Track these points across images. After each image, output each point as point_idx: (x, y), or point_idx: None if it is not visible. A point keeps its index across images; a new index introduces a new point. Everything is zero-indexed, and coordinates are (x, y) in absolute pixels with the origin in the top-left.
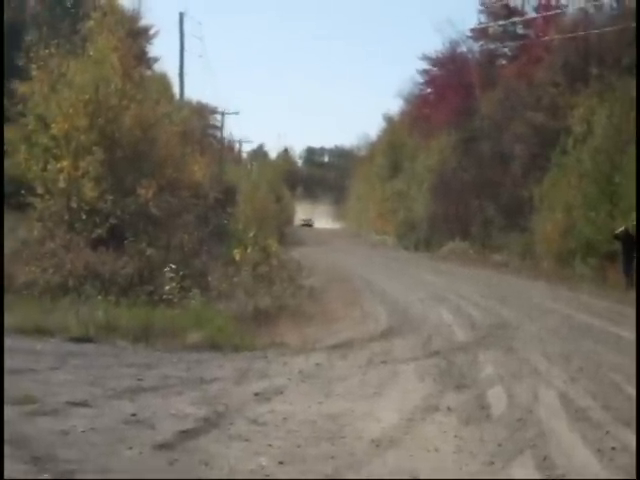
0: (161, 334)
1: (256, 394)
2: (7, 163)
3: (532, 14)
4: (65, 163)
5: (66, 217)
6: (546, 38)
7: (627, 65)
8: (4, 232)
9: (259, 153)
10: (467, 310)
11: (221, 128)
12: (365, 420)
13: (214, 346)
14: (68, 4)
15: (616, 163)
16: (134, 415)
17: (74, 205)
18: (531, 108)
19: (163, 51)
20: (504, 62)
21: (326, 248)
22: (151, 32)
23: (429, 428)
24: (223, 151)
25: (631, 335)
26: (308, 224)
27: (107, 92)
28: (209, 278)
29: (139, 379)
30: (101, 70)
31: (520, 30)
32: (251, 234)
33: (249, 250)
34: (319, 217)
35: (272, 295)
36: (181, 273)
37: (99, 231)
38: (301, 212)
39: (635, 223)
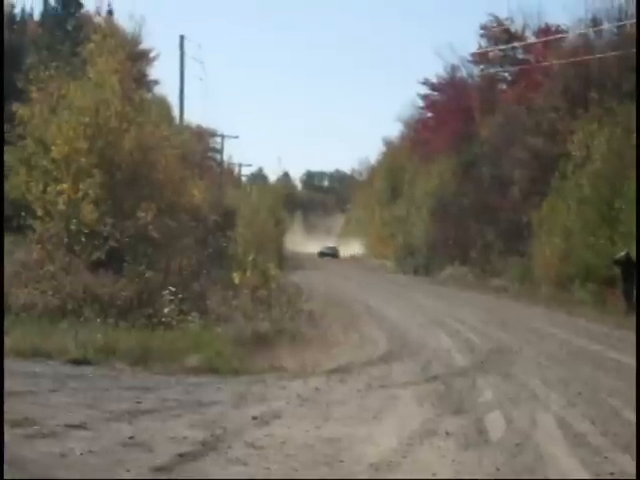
0: (160, 357)
1: (254, 418)
2: (7, 185)
3: (532, 39)
4: (65, 186)
5: (65, 240)
6: (546, 63)
7: (627, 90)
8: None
9: (259, 177)
10: (466, 335)
11: (221, 151)
12: (363, 444)
13: (212, 369)
14: (68, 27)
15: (616, 188)
16: (132, 438)
17: (73, 228)
18: (531, 133)
19: (163, 74)
20: (504, 87)
21: (325, 272)
22: (151, 55)
23: (427, 453)
24: (223, 174)
25: (630, 360)
26: (331, 254)
27: (107, 115)
28: (208, 301)
29: (137, 402)
30: (101, 93)
31: (520, 55)
32: (250, 258)
33: (248, 274)
34: (318, 242)
35: (271, 319)
36: (180, 296)
37: (98, 254)
38: (299, 236)
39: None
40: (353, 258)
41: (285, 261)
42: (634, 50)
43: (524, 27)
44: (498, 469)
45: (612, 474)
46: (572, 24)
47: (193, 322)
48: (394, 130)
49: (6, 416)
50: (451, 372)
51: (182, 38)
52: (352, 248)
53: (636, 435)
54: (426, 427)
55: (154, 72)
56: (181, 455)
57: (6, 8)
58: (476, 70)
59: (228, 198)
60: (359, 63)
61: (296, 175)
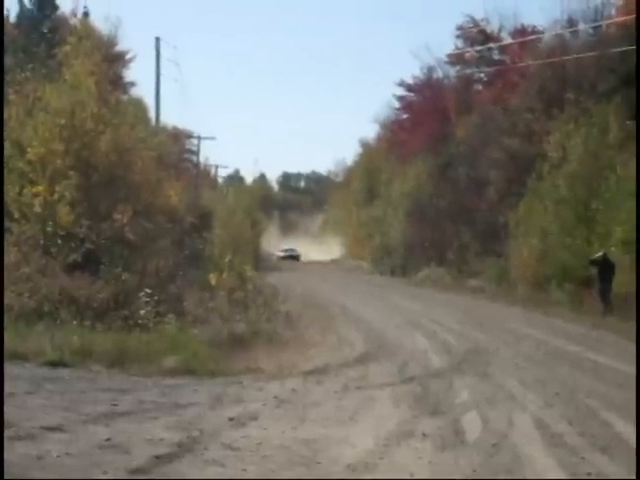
0: (136, 359)
1: (231, 419)
2: None
3: (508, 40)
4: (41, 188)
5: (42, 242)
6: (522, 64)
7: (603, 91)
8: None
9: (235, 178)
10: (442, 336)
11: (197, 153)
12: (340, 445)
13: (189, 371)
14: (44, 29)
15: (592, 189)
16: (109, 440)
17: (50, 230)
18: (507, 134)
19: (139, 76)
20: (480, 87)
21: (302, 274)
22: (127, 57)
23: (404, 454)
24: (199, 176)
25: (607, 360)
26: (292, 256)
27: (83, 117)
28: (184, 303)
29: (114, 404)
30: (77, 95)
31: (496, 56)
32: (227, 259)
33: (225, 275)
34: (294, 244)
35: (247, 320)
36: (156, 298)
37: (75, 256)
38: (276, 238)
39: (613, 249)
40: (333, 261)
41: (262, 262)
42: (610, 51)
43: (500, 28)
44: (475, 470)
45: (589, 474)
46: (548, 25)
47: (170, 324)
48: (370, 131)
49: None
50: (428, 373)
51: (158, 40)
52: (330, 250)
53: (636, 434)
54: (403, 428)
55: (130, 74)
56: (157, 457)
57: None
58: (452, 71)
59: (204, 200)
60: (335, 64)
61: (273, 176)
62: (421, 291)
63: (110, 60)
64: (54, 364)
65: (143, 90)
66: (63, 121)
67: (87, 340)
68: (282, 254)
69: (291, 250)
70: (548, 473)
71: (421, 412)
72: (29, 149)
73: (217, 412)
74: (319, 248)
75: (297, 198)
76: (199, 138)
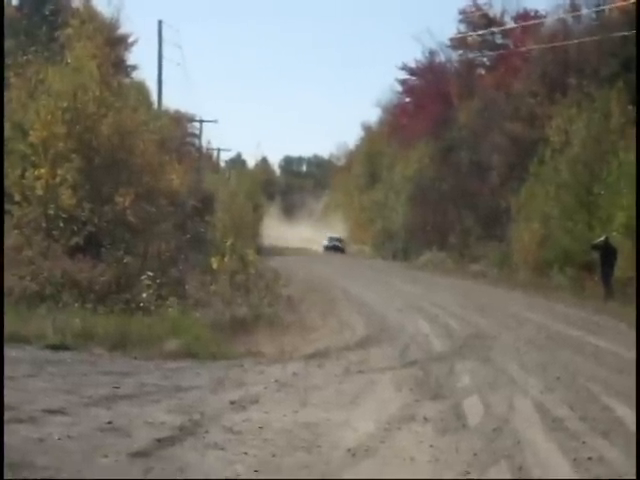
0: (138, 342)
1: (232, 402)
2: None
3: (511, 24)
4: (43, 171)
5: (43, 225)
6: (524, 48)
7: (605, 75)
8: None
9: (237, 162)
10: (444, 320)
11: (199, 136)
12: (341, 429)
13: (191, 354)
14: (46, 11)
15: (594, 173)
16: (110, 423)
17: (52, 213)
18: (509, 118)
19: (142, 59)
20: (482, 72)
21: (303, 258)
22: (130, 40)
23: (405, 438)
24: (201, 159)
25: (608, 345)
26: (335, 247)
27: (85, 100)
28: (186, 286)
29: (115, 387)
30: (79, 78)
31: (499, 40)
32: (229, 243)
33: (227, 259)
34: (296, 228)
35: (249, 304)
36: (158, 281)
37: (76, 239)
38: (277, 222)
39: (614, 233)
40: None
41: (264, 246)
42: (612, 35)
43: (503, 12)
44: (475, 454)
45: (590, 459)
46: (551, 9)
47: (171, 307)
48: (373, 115)
49: None
50: (429, 357)
51: (160, 23)
52: (333, 234)
53: (636, 434)
54: (404, 412)
55: (132, 57)
56: (159, 440)
57: None
58: (455, 55)
59: (207, 183)
60: (338, 48)
61: (275, 160)
62: (423, 275)
63: (112, 43)
64: (56, 347)
65: (145, 73)
66: (65, 104)
67: (89, 323)
68: (327, 243)
69: (336, 240)
70: (549, 457)
71: (422, 396)
72: (31, 132)
73: (218, 395)
74: (321, 232)
75: (299, 182)
76: (201, 121)
